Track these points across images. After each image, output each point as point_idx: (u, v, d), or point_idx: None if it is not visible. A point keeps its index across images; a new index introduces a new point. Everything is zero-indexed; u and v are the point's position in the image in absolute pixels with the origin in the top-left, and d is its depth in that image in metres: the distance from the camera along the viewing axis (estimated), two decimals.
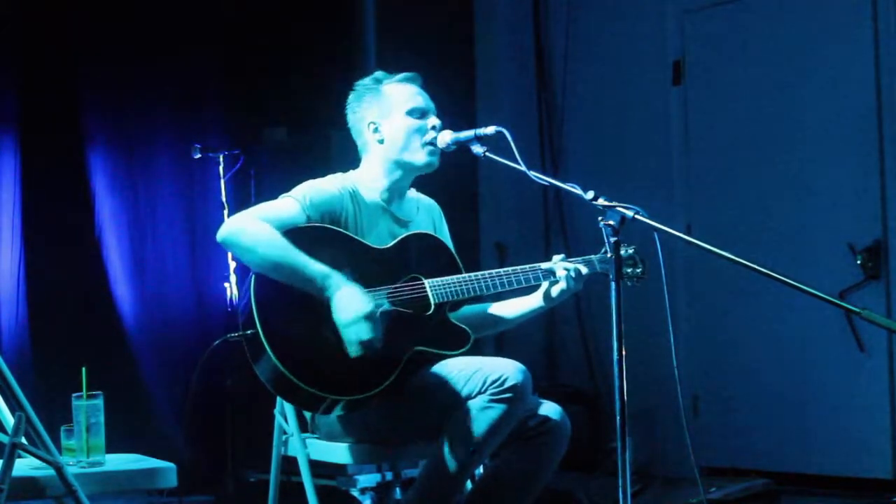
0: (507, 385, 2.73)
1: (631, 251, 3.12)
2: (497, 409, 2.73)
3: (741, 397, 5.20)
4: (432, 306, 2.93)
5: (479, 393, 2.75)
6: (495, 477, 2.93)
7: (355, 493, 4.21)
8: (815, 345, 4.96)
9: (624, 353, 2.42)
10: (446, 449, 2.76)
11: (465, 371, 2.79)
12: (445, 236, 3.19)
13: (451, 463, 2.76)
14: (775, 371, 5.08)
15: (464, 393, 2.77)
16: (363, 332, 2.74)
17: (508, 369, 2.76)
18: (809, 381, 4.98)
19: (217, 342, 4.31)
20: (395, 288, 2.91)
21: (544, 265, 3.03)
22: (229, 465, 4.55)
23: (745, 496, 4.61)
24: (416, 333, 2.88)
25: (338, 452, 2.99)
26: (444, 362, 2.87)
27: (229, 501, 4.52)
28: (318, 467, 3.12)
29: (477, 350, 2.96)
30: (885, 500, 4.52)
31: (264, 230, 2.80)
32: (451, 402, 2.78)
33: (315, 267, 2.78)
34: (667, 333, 2.74)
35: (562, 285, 3.00)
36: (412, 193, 3.18)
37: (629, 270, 3.12)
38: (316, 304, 2.78)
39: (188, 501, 4.49)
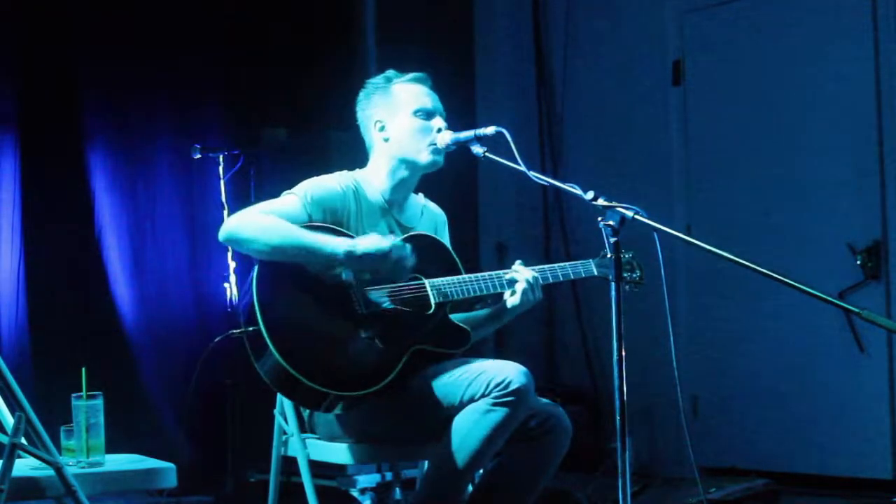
0: (510, 388, 2.73)
1: (628, 256, 3.12)
2: (500, 413, 2.74)
3: (741, 397, 5.20)
4: (433, 306, 2.93)
5: (483, 396, 2.75)
6: (497, 477, 2.93)
7: (355, 493, 4.20)
8: (815, 345, 4.95)
9: (624, 353, 2.42)
10: (449, 451, 2.76)
11: (469, 374, 2.80)
12: (445, 243, 3.18)
13: (454, 466, 2.76)
14: (775, 371, 5.08)
15: (467, 395, 2.77)
16: (406, 263, 2.84)
17: (511, 372, 2.76)
18: (809, 381, 4.98)
19: (218, 338, 4.29)
20: (396, 287, 2.91)
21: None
22: (229, 465, 4.55)
23: (745, 496, 4.60)
24: (417, 332, 2.88)
25: (337, 453, 2.99)
26: (446, 364, 2.88)
27: (229, 501, 4.52)
28: (318, 467, 3.12)
29: (476, 351, 2.96)
30: (885, 500, 4.52)
31: (264, 219, 2.83)
32: (454, 404, 2.78)
33: (318, 237, 2.80)
34: (667, 333, 2.74)
35: (515, 299, 2.97)
36: (420, 199, 3.19)
37: (626, 275, 3.12)
38: (319, 301, 2.79)
39: (188, 501, 4.49)
